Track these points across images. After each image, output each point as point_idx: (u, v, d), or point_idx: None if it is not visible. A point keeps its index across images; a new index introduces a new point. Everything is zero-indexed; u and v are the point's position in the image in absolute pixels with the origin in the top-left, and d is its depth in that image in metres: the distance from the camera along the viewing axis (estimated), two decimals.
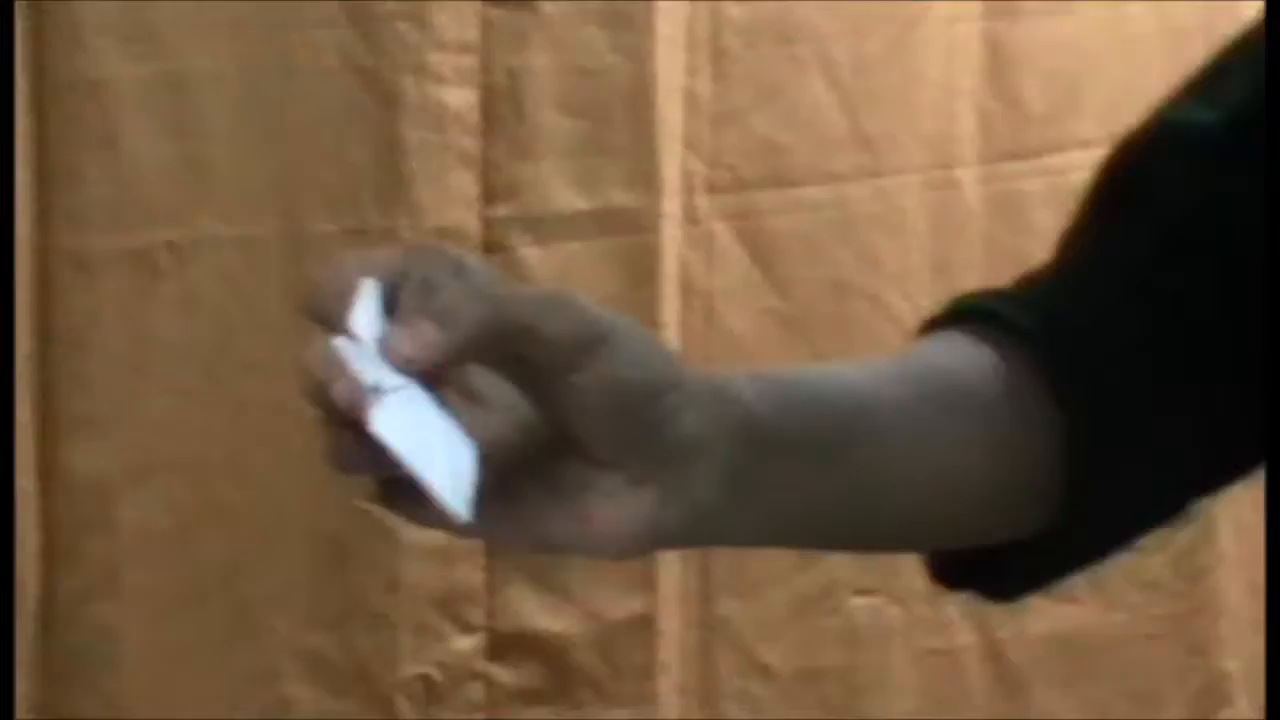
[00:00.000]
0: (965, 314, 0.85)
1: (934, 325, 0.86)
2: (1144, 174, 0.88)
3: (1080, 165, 1.80)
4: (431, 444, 0.69)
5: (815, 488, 0.77)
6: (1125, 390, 0.84)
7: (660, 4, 1.80)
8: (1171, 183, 0.87)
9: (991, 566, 0.85)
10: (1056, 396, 0.83)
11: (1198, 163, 0.87)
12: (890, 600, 1.95)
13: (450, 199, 1.74)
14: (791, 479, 0.76)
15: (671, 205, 1.80)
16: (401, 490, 0.71)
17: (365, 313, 0.70)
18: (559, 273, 1.77)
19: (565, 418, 0.71)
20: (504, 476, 0.71)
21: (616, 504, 0.72)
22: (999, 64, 1.90)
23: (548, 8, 1.78)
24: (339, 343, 0.70)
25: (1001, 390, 0.82)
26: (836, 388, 0.79)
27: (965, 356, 0.83)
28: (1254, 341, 0.84)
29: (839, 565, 1.86)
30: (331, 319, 0.71)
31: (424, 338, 0.69)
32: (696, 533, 0.74)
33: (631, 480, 0.72)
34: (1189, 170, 0.87)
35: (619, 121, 1.76)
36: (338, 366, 0.70)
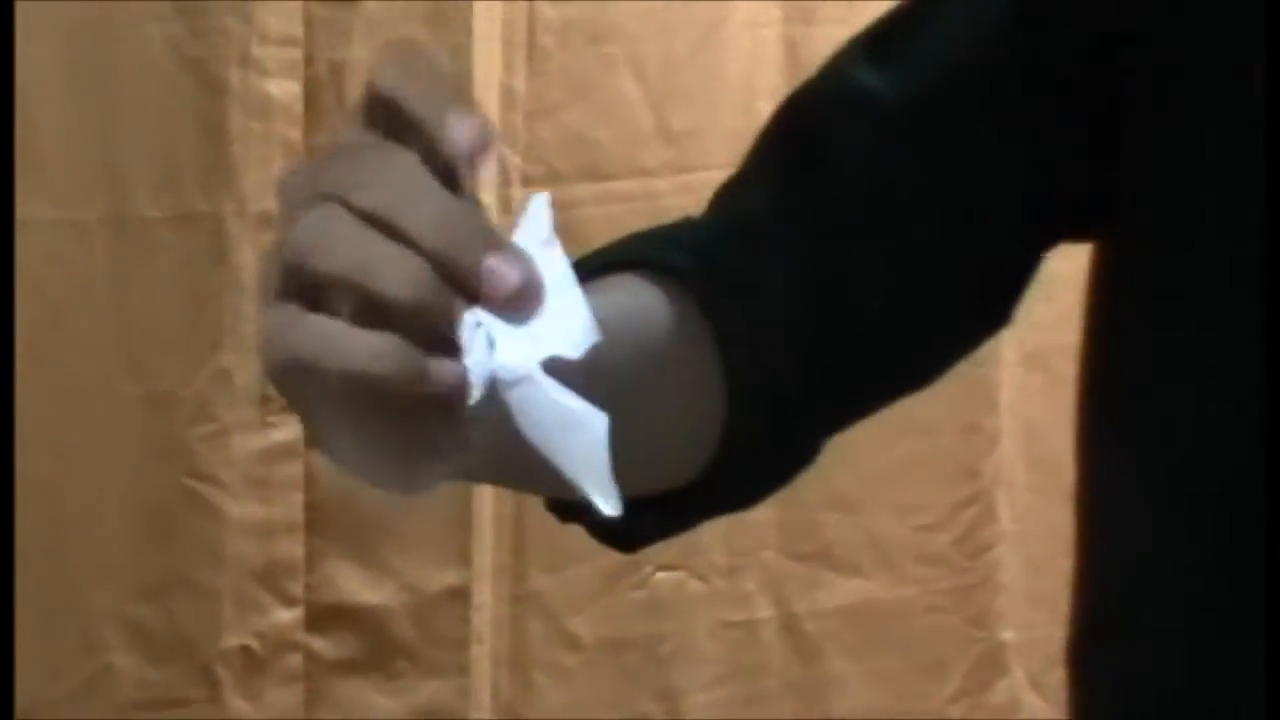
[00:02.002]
0: (647, 260, 0.82)
1: (612, 263, 0.82)
2: (817, 132, 0.87)
3: None
4: (563, 434, 0.61)
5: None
6: (777, 341, 0.83)
7: (478, 3, 1.80)
8: (846, 152, 0.86)
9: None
10: (717, 336, 0.82)
11: (872, 136, 0.86)
12: (692, 575, 1.97)
13: (274, 186, 1.73)
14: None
15: (487, 197, 1.81)
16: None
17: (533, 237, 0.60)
18: None
19: None
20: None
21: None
22: (797, 65, 1.90)
23: (369, 5, 1.78)
24: (469, 319, 0.60)
25: (683, 329, 0.80)
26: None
27: (655, 299, 0.80)
28: (896, 309, 0.85)
29: None
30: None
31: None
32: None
33: None
34: (864, 141, 0.86)
35: None
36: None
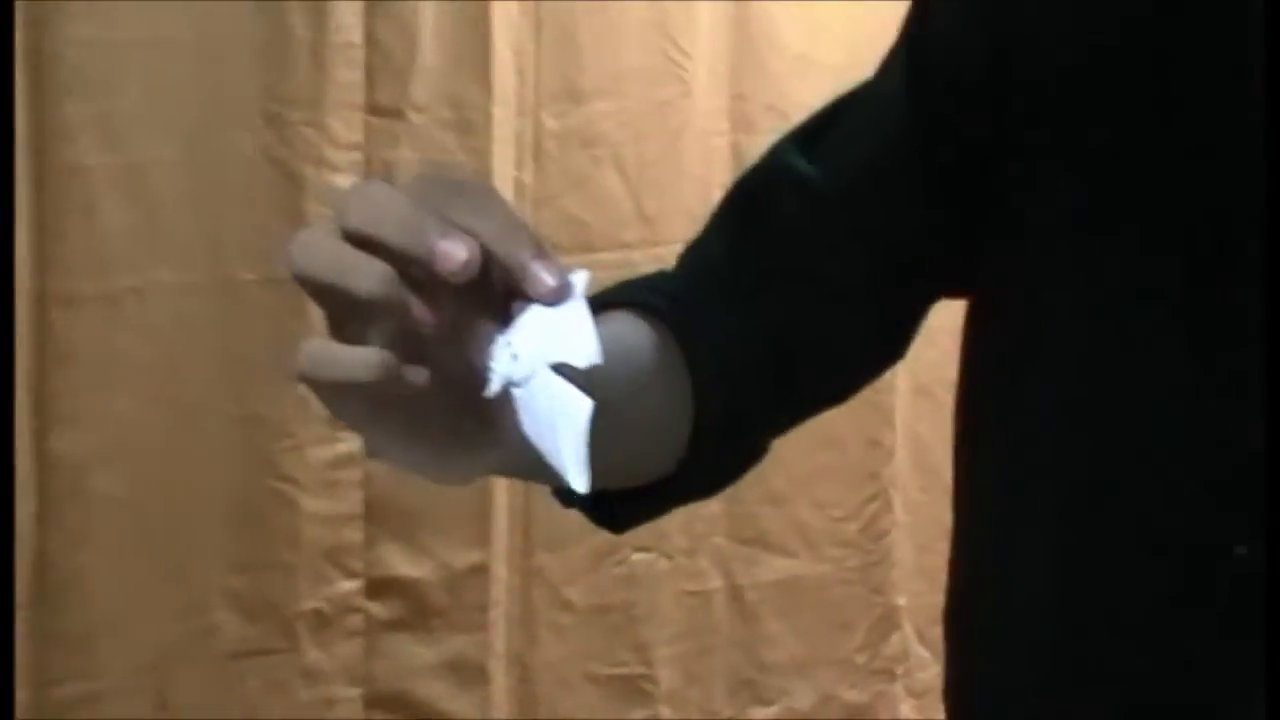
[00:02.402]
0: (634, 301, 0.86)
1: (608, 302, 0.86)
2: (760, 206, 0.91)
3: None
4: (555, 422, 0.63)
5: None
6: (734, 367, 0.87)
7: (496, 116, 1.94)
8: (783, 220, 0.90)
9: (610, 499, 0.85)
10: (687, 360, 0.86)
11: (803, 208, 0.90)
12: (661, 555, 2.08)
13: None
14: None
15: None
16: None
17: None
18: None
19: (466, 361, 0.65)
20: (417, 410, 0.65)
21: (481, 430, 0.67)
22: (741, 164, 1.98)
23: (414, 117, 1.90)
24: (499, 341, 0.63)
25: (662, 354, 0.84)
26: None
27: (641, 330, 0.84)
28: (824, 338, 0.90)
29: None
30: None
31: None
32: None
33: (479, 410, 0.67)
34: (796, 212, 0.90)
35: None
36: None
